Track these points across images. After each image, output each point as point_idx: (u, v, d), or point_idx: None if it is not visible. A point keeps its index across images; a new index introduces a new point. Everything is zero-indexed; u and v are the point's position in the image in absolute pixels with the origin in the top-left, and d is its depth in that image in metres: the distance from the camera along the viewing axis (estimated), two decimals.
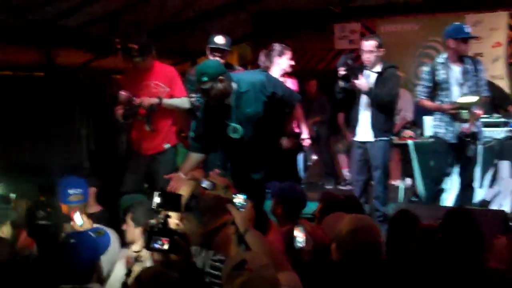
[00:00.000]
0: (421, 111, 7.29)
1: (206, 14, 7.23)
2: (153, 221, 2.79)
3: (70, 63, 6.51)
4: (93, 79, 6.44)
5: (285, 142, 4.93)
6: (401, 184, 6.71)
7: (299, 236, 3.02)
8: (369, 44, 5.47)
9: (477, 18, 8.20)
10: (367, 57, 5.48)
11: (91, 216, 3.99)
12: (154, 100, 5.17)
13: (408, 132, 6.74)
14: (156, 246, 2.56)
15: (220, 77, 4.26)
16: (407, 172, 6.72)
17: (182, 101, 5.37)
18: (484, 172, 6.03)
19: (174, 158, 5.47)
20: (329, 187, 7.92)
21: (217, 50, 5.34)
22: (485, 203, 5.97)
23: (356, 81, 5.35)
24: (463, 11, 8.24)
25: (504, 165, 6.06)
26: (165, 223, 2.62)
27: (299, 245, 3.01)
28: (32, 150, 5.81)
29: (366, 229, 2.83)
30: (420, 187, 6.28)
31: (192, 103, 5.27)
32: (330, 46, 9.10)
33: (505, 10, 8.21)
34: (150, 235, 2.57)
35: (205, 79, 4.23)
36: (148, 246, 2.58)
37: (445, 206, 5.60)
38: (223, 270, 2.77)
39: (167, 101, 5.26)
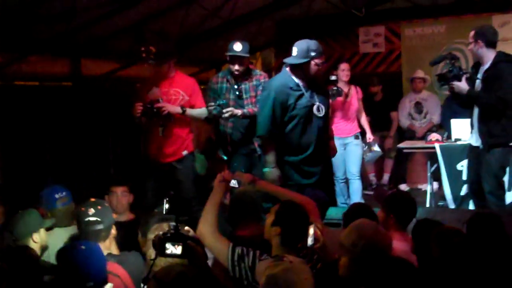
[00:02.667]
0: (447, 114, 7.25)
1: (230, 23, 7.29)
2: (165, 228, 2.80)
3: (96, 73, 6.61)
4: (119, 88, 6.51)
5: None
6: (428, 188, 6.64)
7: (310, 234, 3.04)
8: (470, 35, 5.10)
9: (504, 19, 8.07)
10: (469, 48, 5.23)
11: (122, 225, 4.05)
12: (176, 109, 5.25)
13: (434, 135, 6.67)
14: (169, 252, 2.57)
15: None
16: (434, 176, 6.66)
17: (202, 112, 5.46)
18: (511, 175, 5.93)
19: (193, 164, 5.56)
20: None
21: (235, 57, 5.39)
22: None
23: (455, 83, 5.11)
24: (490, 12, 8.13)
25: None
26: (177, 228, 2.61)
27: (310, 243, 3.04)
28: (59, 158, 5.89)
29: (367, 228, 2.81)
30: (447, 191, 6.21)
31: (210, 112, 5.34)
32: (354, 50, 9.07)
33: None
34: (163, 242, 2.57)
35: None
36: (161, 252, 2.58)
37: (473, 210, 5.51)
38: (258, 267, 2.80)
39: (189, 111, 5.34)
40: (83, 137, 6.03)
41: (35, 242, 3.51)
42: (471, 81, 5.11)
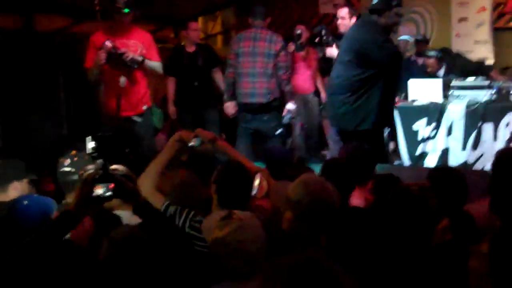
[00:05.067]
0: (405, 76, 7.28)
1: None
2: (90, 168, 2.63)
3: (49, 29, 6.41)
4: (72, 44, 6.33)
5: None
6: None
7: (255, 185, 3.01)
8: (342, 11, 6.01)
9: None
10: (339, 23, 6.03)
11: None
12: (138, 57, 5.15)
13: None
14: (100, 193, 2.36)
15: None
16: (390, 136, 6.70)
17: (158, 65, 5.43)
18: (467, 134, 6.03)
19: (152, 120, 5.57)
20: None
21: None
22: (468, 165, 5.97)
23: (327, 49, 5.83)
24: None
25: (487, 127, 6.04)
26: (106, 167, 2.42)
27: (253, 192, 3.02)
28: (10, 115, 5.73)
29: (314, 184, 2.76)
30: (404, 151, 6.28)
31: None
32: (314, 10, 9.00)
33: None
34: (91, 184, 2.36)
35: None
36: (90, 196, 2.37)
37: (429, 168, 5.58)
38: (205, 224, 2.75)
39: (148, 62, 5.26)
40: (35, 94, 5.85)
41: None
42: (327, 45, 5.92)
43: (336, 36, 5.99)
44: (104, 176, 2.39)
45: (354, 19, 5.93)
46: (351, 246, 2.45)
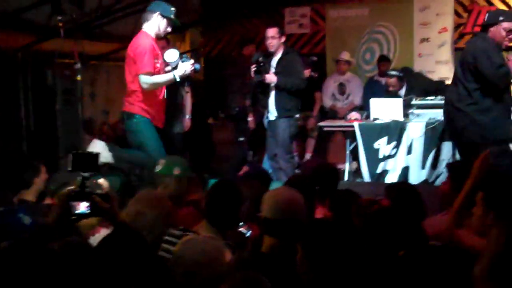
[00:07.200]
0: (368, 94, 7.43)
1: None
2: (71, 187, 2.63)
3: (12, 47, 6.36)
4: (35, 61, 6.29)
5: None
6: (346, 166, 6.78)
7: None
8: (271, 31, 6.07)
9: (425, 3, 8.31)
10: (269, 43, 6.07)
11: None
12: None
13: (354, 114, 6.83)
14: (76, 211, 2.40)
15: None
16: (352, 155, 6.81)
17: None
18: (426, 153, 6.15)
19: None
20: None
21: None
22: (428, 183, 6.08)
23: (266, 76, 5.98)
24: None
25: (446, 146, 6.18)
26: (83, 185, 2.45)
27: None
28: None
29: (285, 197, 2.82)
30: (364, 169, 6.37)
31: None
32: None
33: None
34: (67, 202, 2.40)
35: None
36: (67, 213, 2.40)
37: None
38: None
39: None
40: None
41: None
42: (265, 71, 6.04)
43: (266, 56, 6.17)
44: (80, 194, 2.43)
45: (283, 39, 6.16)
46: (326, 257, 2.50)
